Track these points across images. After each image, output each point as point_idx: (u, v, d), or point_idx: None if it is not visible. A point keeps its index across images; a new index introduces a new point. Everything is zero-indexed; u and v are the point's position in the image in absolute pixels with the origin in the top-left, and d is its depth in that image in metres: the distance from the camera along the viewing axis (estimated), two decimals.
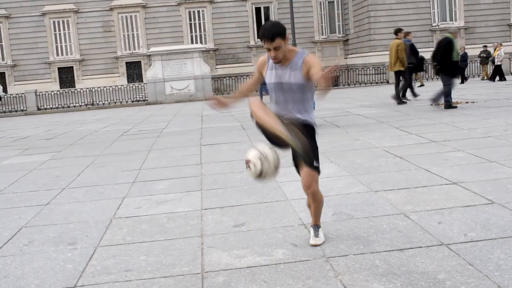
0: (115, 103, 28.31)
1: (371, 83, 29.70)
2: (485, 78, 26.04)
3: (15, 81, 38.29)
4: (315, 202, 4.12)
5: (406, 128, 9.88)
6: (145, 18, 38.09)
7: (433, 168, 6.32)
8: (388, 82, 28.83)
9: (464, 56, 24.73)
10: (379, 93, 21.89)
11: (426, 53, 31.72)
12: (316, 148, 4.05)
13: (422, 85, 24.66)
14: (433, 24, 33.84)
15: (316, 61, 3.79)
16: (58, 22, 38.28)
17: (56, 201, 6.14)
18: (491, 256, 3.57)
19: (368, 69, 31.15)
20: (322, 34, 39.22)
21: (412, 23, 33.16)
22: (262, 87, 21.19)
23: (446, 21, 34.13)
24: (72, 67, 38.64)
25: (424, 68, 19.89)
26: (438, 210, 4.69)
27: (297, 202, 5.28)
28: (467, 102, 13.86)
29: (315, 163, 3.97)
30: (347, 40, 38.53)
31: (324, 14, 39.19)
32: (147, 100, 28.78)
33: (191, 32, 38.44)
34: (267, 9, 39.08)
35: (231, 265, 3.77)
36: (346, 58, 38.16)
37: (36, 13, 38.10)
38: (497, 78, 24.12)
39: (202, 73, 28.69)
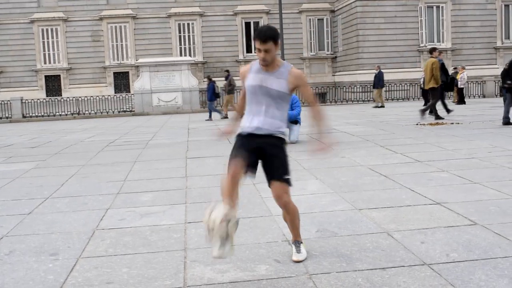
0: (101, 113, 28.22)
1: (357, 101, 29.91)
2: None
3: (1, 88, 37.98)
4: (289, 213, 4.12)
5: (392, 147, 9.95)
6: (134, 29, 38.07)
7: (417, 188, 6.36)
8: (374, 101, 29.03)
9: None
10: (365, 111, 22.03)
11: (414, 73, 32.16)
12: (286, 160, 4.09)
13: (382, 106, 24.91)
14: (421, 45, 34.15)
15: (304, 80, 4.02)
16: (47, 30, 38.13)
17: (39, 211, 6.08)
18: (472, 277, 3.59)
19: (355, 87, 31.36)
20: (311, 51, 39.43)
21: (400, 43, 33.48)
22: (210, 104, 21.30)
23: (433, 42, 34.45)
24: (59, 75, 38.42)
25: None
26: (421, 229, 4.71)
27: (281, 218, 5.26)
28: (452, 123, 13.99)
29: (284, 176, 4.01)
30: (336, 57, 38.77)
31: (313, 31, 39.43)
32: (133, 111, 28.72)
33: (180, 44, 38.47)
34: (256, 24, 39.23)
35: (213, 279, 3.76)
36: (334, 75, 38.37)
37: (25, 20, 37.93)
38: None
39: (190, 86, 28.73)
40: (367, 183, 6.81)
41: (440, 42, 34.59)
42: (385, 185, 6.67)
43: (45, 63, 38.27)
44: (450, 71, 30.52)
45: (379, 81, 25.48)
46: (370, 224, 4.95)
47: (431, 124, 14.01)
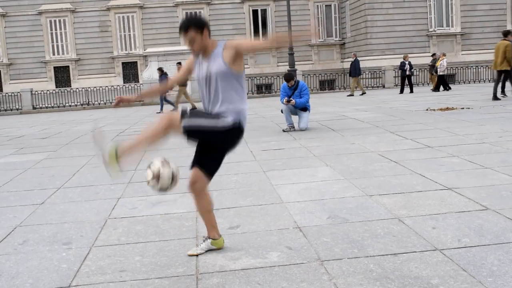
0: (111, 103, 28.26)
1: (367, 87, 29.76)
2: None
3: (11, 80, 38.16)
4: (199, 204, 4.14)
5: (402, 133, 9.91)
6: (142, 19, 38.05)
7: (428, 173, 6.35)
8: (384, 87, 28.93)
9: (410, 65, 24.74)
10: (375, 97, 21.95)
11: (423, 58, 31.97)
12: (217, 157, 4.23)
13: (364, 93, 24.77)
14: (430, 30, 33.92)
15: (241, 40, 3.92)
16: (55, 21, 38.19)
17: (51, 201, 6.13)
18: (484, 262, 3.59)
19: (364, 73, 31.22)
20: (319, 38, 39.25)
21: (409, 28, 33.26)
22: (161, 97, 20.95)
23: (442, 26, 34.23)
24: (68, 66, 38.53)
25: None
26: (432, 215, 4.71)
27: (292, 205, 5.30)
28: (463, 108, 13.91)
29: (201, 168, 4.15)
30: (344, 44, 38.59)
31: (321, 17, 39.24)
32: (143, 101, 28.73)
33: None
34: (264, 11, 39.10)
35: (225, 267, 3.78)
36: (343, 61, 38.21)
37: (33, 12, 38.00)
38: (442, 88, 24.31)
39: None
40: (378, 169, 6.80)
41: (449, 26, 34.34)
42: (395, 171, 6.65)
43: (53, 54, 38.36)
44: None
45: (355, 69, 25.20)
46: (381, 210, 4.95)
47: (441, 109, 13.94)
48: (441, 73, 24.21)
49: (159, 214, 5.30)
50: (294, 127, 11.32)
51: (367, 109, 15.74)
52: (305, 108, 11.31)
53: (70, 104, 28.64)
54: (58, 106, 28.12)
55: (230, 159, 8.14)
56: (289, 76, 11.46)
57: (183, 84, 21.00)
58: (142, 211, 5.42)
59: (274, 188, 6.10)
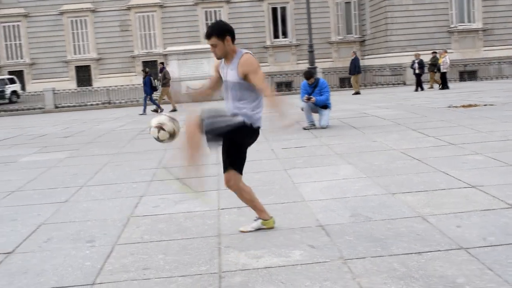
0: (131, 102, 28.40)
1: (387, 84, 29.55)
2: (433, 86, 25.45)
3: (33, 79, 38.59)
4: (241, 197, 4.55)
5: (424, 130, 9.83)
6: (161, 18, 38.23)
7: (451, 171, 6.28)
8: (405, 84, 28.70)
9: (421, 63, 24.29)
10: (396, 95, 21.79)
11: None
12: (237, 152, 4.45)
13: (358, 93, 24.33)
14: (451, 26, 33.57)
15: (252, 67, 4.12)
16: (76, 21, 38.53)
17: (74, 199, 6.19)
18: (510, 260, 3.54)
19: (384, 70, 31.00)
20: (339, 35, 39.08)
21: (429, 24, 32.93)
22: (145, 97, 20.75)
23: (464, 22, 33.84)
24: (89, 65, 38.85)
25: None
26: (456, 213, 4.66)
27: (314, 204, 5.28)
28: (485, 105, 13.75)
29: (230, 167, 4.45)
30: (364, 41, 38.37)
31: (340, 14, 39.05)
32: (164, 99, 28.86)
33: None
34: (283, 9, 39.03)
35: (248, 265, 3.77)
36: (363, 59, 38.01)
37: (54, 12, 38.37)
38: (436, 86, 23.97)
39: None
40: (400, 167, 6.75)
41: (470, 22, 33.96)
42: (418, 168, 6.60)
43: (75, 54, 38.72)
44: (488, 51, 29.88)
45: (355, 68, 24.87)
46: (404, 208, 4.91)
47: (463, 106, 13.79)
48: (444, 70, 23.86)
49: (181, 212, 5.31)
50: (315, 125, 11.28)
51: (388, 107, 15.63)
52: (325, 106, 11.26)
53: (91, 103, 28.83)
54: (80, 105, 28.32)
55: (251, 157, 8.13)
56: (309, 74, 11.42)
57: (165, 84, 20.85)
58: (164, 209, 5.44)
59: (295, 186, 6.09)
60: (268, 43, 38.74)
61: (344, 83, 33.22)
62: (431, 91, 22.79)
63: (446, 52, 24.80)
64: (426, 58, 25.20)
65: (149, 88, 20.65)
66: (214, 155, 8.64)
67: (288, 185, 6.19)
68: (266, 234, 4.44)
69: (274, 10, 38.97)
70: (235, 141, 4.36)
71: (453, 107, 13.89)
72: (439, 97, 18.36)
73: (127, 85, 29.94)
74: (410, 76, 29.24)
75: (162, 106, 20.76)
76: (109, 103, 28.75)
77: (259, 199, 5.61)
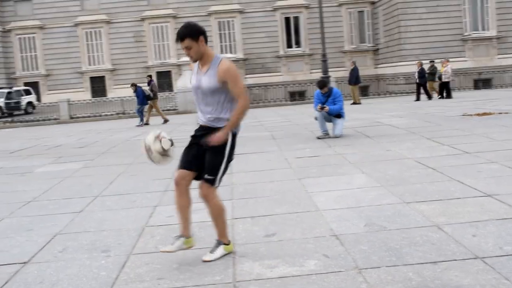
0: (145, 112, 28.53)
1: (401, 93, 29.46)
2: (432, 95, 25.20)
3: (48, 91, 38.99)
4: (208, 208, 4.29)
5: (438, 139, 9.78)
6: (175, 28, 38.41)
7: (466, 180, 6.24)
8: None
9: (422, 72, 24.02)
10: (410, 104, 21.71)
11: (459, 63, 31.54)
12: (219, 161, 4.19)
13: (358, 103, 24.06)
14: (465, 34, 33.46)
15: (231, 74, 4.01)
16: (91, 32, 38.92)
17: (89, 209, 6.22)
18: None
19: (398, 79, 30.93)
20: (352, 44, 39.11)
21: (443, 33, 32.85)
22: (139, 108, 20.76)
23: (478, 30, 33.72)
24: (103, 76, 39.21)
25: None
26: (472, 222, 4.62)
27: (328, 213, 5.27)
28: (500, 113, 13.65)
29: (206, 176, 4.16)
30: (377, 49, 38.34)
31: (354, 23, 39.09)
32: (177, 109, 28.99)
33: (221, 42, 38.70)
34: (296, 18, 39.15)
35: (262, 275, 3.77)
36: (376, 68, 37.95)
37: (69, 24, 38.80)
38: (445, 94, 23.70)
39: None
40: (414, 176, 6.71)
41: (484, 30, 33.83)
42: (433, 177, 6.56)
43: (90, 64, 39.09)
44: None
45: (354, 78, 24.41)
46: (419, 218, 4.89)
47: (478, 114, 13.71)
48: (446, 80, 23.67)
49: (196, 222, 5.30)
50: (328, 134, 11.27)
51: (402, 115, 15.57)
52: (339, 115, 11.25)
53: (106, 113, 29.04)
54: (95, 116, 28.53)
55: (265, 167, 8.18)
56: (323, 83, 11.42)
57: (154, 97, 20.90)
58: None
59: (309, 195, 6.08)
60: (281, 52, 38.84)
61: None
62: (431, 101, 22.63)
63: (448, 61, 24.60)
64: (439, 66, 25.05)
65: (143, 98, 20.70)
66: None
67: (301, 194, 6.18)
68: (280, 244, 4.43)
69: (287, 19, 39.10)
70: (226, 153, 4.23)
71: (467, 115, 13.81)
72: (454, 105, 18.27)
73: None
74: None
75: (150, 118, 20.87)
76: (123, 113, 28.93)
77: (274, 208, 5.63)
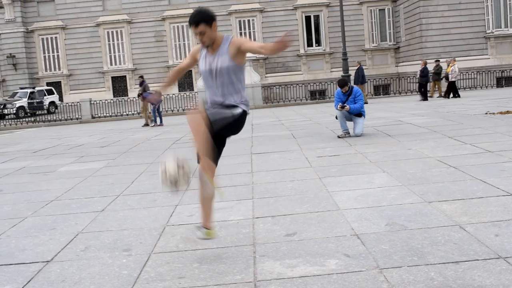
0: (166, 111, 28.72)
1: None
2: (438, 95, 24.82)
3: (71, 90, 39.40)
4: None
5: (460, 138, 9.68)
6: None
7: (489, 179, 6.17)
8: (440, 91, 28.30)
9: (425, 71, 23.66)
10: (431, 102, 21.55)
11: (481, 60, 31.21)
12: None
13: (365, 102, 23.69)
14: (487, 31, 33.06)
15: (244, 39, 4.17)
16: (112, 32, 39.24)
17: (111, 208, 6.28)
18: None
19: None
20: (373, 42, 38.89)
21: (465, 30, 32.51)
22: (153, 108, 20.71)
23: (501, 27, 33.30)
24: (125, 76, 39.49)
25: None
26: (495, 222, 4.57)
27: (349, 212, 5.25)
28: None
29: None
30: (398, 48, 38.07)
31: (374, 22, 38.86)
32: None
33: None
34: (317, 17, 39.04)
35: (283, 274, 3.77)
36: (397, 66, 37.69)
37: (91, 24, 39.16)
38: (451, 95, 23.38)
39: (252, 82, 28.85)
40: (436, 175, 6.66)
41: (507, 27, 33.40)
42: (455, 176, 6.50)
43: (111, 64, 39.40)
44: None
45: (360, 77, 24.11)
46: (440, 217, 4.84)
47: (501, 112, 13.55)
48: (453, 79, 23.39)
49: (216, 221, 5.32)
50: (349, 133, 11.23)
51: (423, 114, 15.45)
52: (360, 114, 11.20)
53: (127, 113, 29.25)
54: (116, 115, 28.78)
55: (285, 166, 8.18)
56: (343, 82, 11.38)
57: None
58: (199, 218, 5.45)
59: (330, 194, 6.06)
60: (301, 51, 38.76)
61: (378, 90, 32.99)
62: (437, 100, 22.44)
63: (455, 60, 24.33)
64: (461, 64, 24.85)
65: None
66: (248, 164, 8.72)
67: (322, 193, 6.17)
68: (300, 243, 4.43)
69: (308, 18, 39.01)
70: (231, 133, 4.33)
71: (490, 113, 13.66)
72: (476, 103, 18.08)
73: (162, 95, 30.25)
74: (444, 83, 28.90)
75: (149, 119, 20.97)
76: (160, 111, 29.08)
77: (294, 207, 5.63)
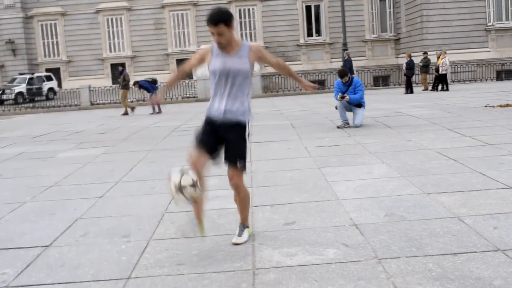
0: (165, 99, 28.61)
1: (432, 83, 29.15)
2: (423, 88, 24.73)
3: (70, 77, 39.28)
4: (239, 196, 4.32)
5: (460, 130, 9.69)
6: (195, 16, 38.47)
7: (488, 172, 6.18)
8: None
9: (410, 64, 23.57)
10: (431, 94, 21.54)
11: (481, 53, 31.14)
12: (243, 147, 4.23)
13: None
14: (488, 24, 32.98)
15: (265, 51, 4.26)
16: (112, 19, 39.07)
17: (110, 194, 6.28)
18: None
19: (419, 69, 30.63)
20: (373, 33, 38.77)
21: (466, 23, 32.42)
22: (141, 82, 20.65)
23: (502, 20, 33.21)
24: (124, 63, 39.35)
25: None
26: (493, 214, 4.58)
27: (348, 202, 5.26)
28: None
29: (238, 164, 4.19)
30: (399, 39, 37.97)
31: (375, 12, 38.73)
32: (197, 97, 29.06)
33: (241, 30, 38.60)
34: (317, 7, 38.89)
35: (282, 263, 3.78)
36: (397, 57, 37.61)
37: (90, 11, 38.97)
38: (440, 87, 23.31)
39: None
40: (435, 167, 6.67)
41: (509, 20, 33.32)
42: (454, 169, 6.51)
43: (110, 51, 39.28)
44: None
45: (347, 69, 24.04)
46: (439, 209, 4.85)
47: (501, 105, 13.55)
48: (443, 72, 23.28)
49: (215, 209, 5.34)
50: (348, 124, 11.22)
51: (423, 106, 15.45)
52: (359, 105, 11.19)
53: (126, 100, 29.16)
54: (115, 102, 28.69)
55: (285, 155, 8.18)
56: (343, 72, 11.36)
57: (125, 87, 20.78)
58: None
59: (329, 184, 6.07)
60: (301, 41, 38.66)
61: (378, 81, 32.95)
62: (429, 93, 22.40)
63: (445, 53, 24.18)
64: (461, 57, 24.75)
65: (150, 88, 20.71)
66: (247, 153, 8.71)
67: (321, 183, 6.18)
68: (299, 232, 4.44)
69: (308, 8, 38.86)
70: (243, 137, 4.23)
71: (489, 106, 13.65)
72: (475, 96, 18.08)
73: (161, 82, 30.17)
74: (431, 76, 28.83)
75: (136, 107, 20.92)
76: (144, 100, 29.02)
77: (293, 196, 5.63)
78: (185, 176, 3.99)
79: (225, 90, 4.12)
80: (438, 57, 24.03)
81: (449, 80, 28.00)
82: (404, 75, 23.71)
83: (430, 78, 25.31)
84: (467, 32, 32.50)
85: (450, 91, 23.04)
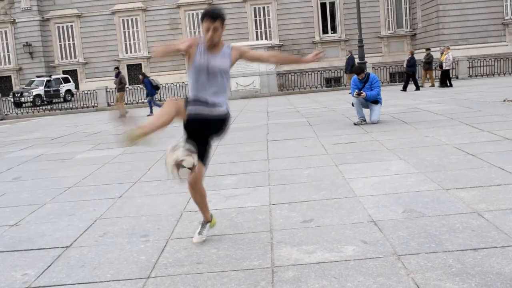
0: (182, 99, 28.72)
1: (439, 79, 28.92)
2: (430, 85, 24.40)
3: (87, 78, 39.57)
4: (202, 196, 4.45)
5: (478, 125, 9.60)
6: None
7: (507, 167, 6.12)
8: (457, 78, 28.07)
9: (411, 61, 23.28)
10: (448, 90, 21.36)
11: (499, 47, 30.80)
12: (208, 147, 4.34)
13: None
14: (506, 18, 32.62)
15: (245, 47, 4.36)
16: (127, 20, 39.29)
17: (128, 194, 6.32)
18: None
19: (436, 65, 30.38)
20: (389, 29, 38.54)
21: (482, 17, 32.11)
22: (150, 99, 20.63)
23: None
24: (140, 64, 39.55)
25: None
26: None
27: (365, 199, 5.24)
28: None
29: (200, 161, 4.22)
30: (415, 35, 37.71)
31: (391, 8, 38.50)
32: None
33: (256, 28, 38.61)
34: (332, 4, 38.76)
35: (300, 260, 3.78)
36: (415, 53, 37.34)
37: (106, 12, 39.22)
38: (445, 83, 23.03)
39: (267, 70, 28.74)
40: (454, 162, 6.62)
41: None
42: (472, 164, 6.45)
43: (126, 52, 39.49)
44: (502, 47, 28.62)
45: (349, 67, 23.74)
46: (458, 204, 4.82)
47: None
48: (447, 68, 23.04)
49: (233, 207, 5.36)
50: (365, 120, 11.18)
51: (440, 101, 15.33)
52: (376, 101, 11.14)
53: (143, 100, 29.29)
54: (132, 103, 28.86)
55: (301, 153, 8.17)
56: (360, 69, 11.32)
57: (121, 89, 20.78)
58: (216, 205, 5.50)
59: (347, 181, 6.05)
60: (317, 38, 38.55)
61: (394, 78, 32.74)
62: (429, 90, 22.16)
63: (449, 48, 23.95)
64: (478, 51, 24.50)
65: (151, 89, 20.77)
66: (263, 151, 8.72)
67: (339, 180, 6.16)
68: (317, 229, 4.43)
69: (323, 5, 38.74)
70: (212, 132, 4.30)
71: (508, 101, 13.51)
72: (493, 90, 17.90)
73: (177, 82, 30.29)
74: (463, 70, 28.67)
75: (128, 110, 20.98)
76: (160, 100, 29.16)
77: (311, 194, 5.63)
78: (188, 158, 3.99)
79: (206, 86, 4.17)
80: (442, 53, 23.84)
81: (466, 75, 27.77)
82: (405, 72, 23.54)
83: (436, 74, 25.07)
84: (484, 26, 32.18)
85: (468, 86, 22.81)
